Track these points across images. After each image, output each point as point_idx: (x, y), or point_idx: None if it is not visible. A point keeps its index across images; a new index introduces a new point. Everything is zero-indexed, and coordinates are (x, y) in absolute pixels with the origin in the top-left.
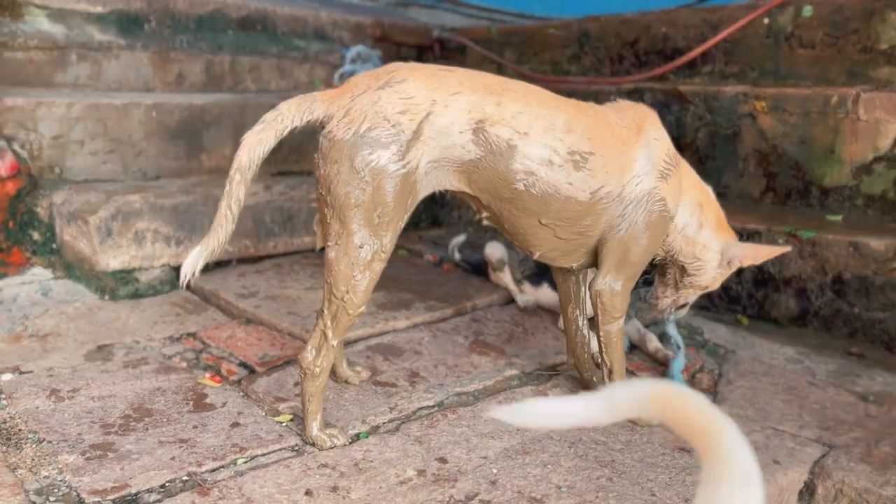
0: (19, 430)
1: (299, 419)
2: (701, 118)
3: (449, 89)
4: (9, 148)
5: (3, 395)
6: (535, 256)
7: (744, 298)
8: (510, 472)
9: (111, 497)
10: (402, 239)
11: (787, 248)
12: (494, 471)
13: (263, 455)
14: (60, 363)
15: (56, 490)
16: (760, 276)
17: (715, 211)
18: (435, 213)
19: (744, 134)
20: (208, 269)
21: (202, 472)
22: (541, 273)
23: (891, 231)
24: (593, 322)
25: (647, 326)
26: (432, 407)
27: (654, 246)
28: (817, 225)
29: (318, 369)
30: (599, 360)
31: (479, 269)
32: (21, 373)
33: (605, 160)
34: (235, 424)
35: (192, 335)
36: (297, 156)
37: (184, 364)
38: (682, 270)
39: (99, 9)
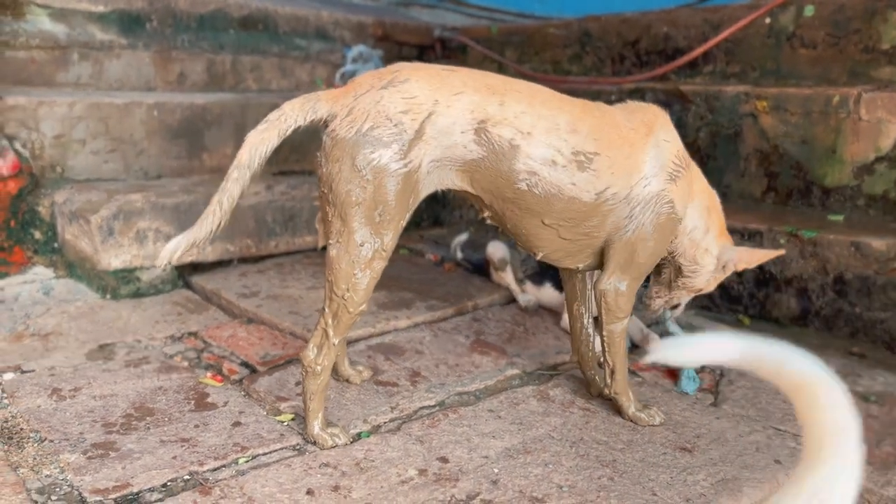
0: (21, 429)
1: (301, 418)
2: (702, 118)
3: (452, 89)
4: (11, 147)
5: (5, 394)
6: (539, 257)
7: (745, 298)
8: (511, 472)
9: (113, 496)
10: (404, 238)
11: (781, 252)
12: (496, 470)
13: (265, 454)
14: (62, 362)
15: (58, 489)
16: (762, 276)
17: (719, 216)
18: (436, 212)
19: (745, 134)
20: (210, 268)
21: (204, 472)
22: (543, 272)
23: (892, 231)
24: (597, 321)
25: (648, 326)
26: (433, 406)
27: (661, 248)
28: (819, 225)
29: (319, 367)
30: (602, 359)
31: (481, 268)
32: (23, 372)
33: (611, 161)
34: (237, 424)
35: (194, 334)
36: (298, 155)
37: (185, 363)
38: (679, 271)
39: (100, 8)
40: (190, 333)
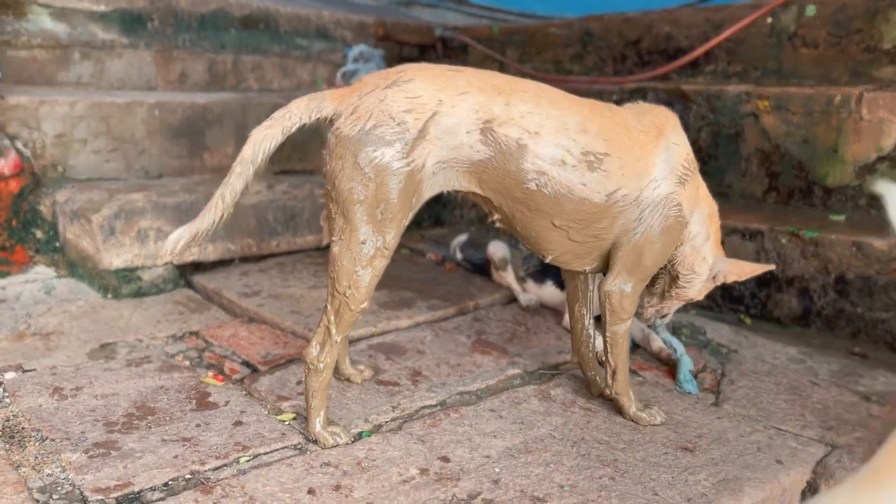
0: (22, 428)
1: (302, 418)
2: (703, 118)
3: (457, 89)
4: (12, 146)
5: (7, 394)
6: (548, 259)
7: (747, 298)
8: (512, 471)
9: (114, 495)
10: (405, 238)
11: (771, 267)
12: (497, 470)
13: (266, 454)
14: (63, 361)
15: (59, 488)
16: (763, 276)
17: (717, 226)
18: (437, 212)
19: (746, 133)
20: (211, 267)
21: (205, 471)
22: (544, 270)
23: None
24: (599, 321)
25: (649, 326)
26: (435, 406)
27: (667, 251)
28: (820, 225)
29: (321, 365)
30: (604, 359)
31: (482, 268)
32: (24, 371)
33: (621, 162)
34: (238, 423)
35: (195, 334)
36: (300, 154)
37: (186, 363)
38: (674, 280)
39: (102, 7)
40: (191, 333)
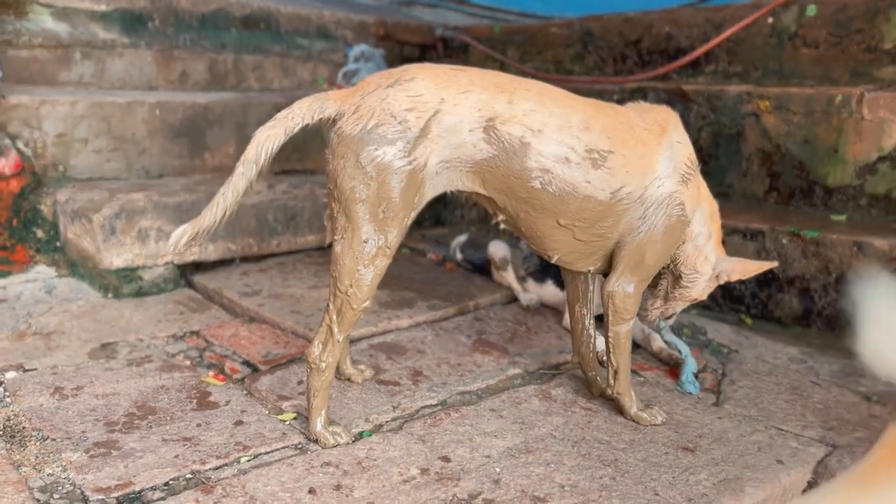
0: (23, 427)
1: (303, 417)
2: (704, 118)
3: (459, 88)
4: (13, 146)
5: (8, 393)
6: (554, 260)
7: (747, 298)
8: (513, 471)
9: (115, 495)
10: (406, 237)
11: (774, 263)
12: (497, 470)
13: (267, 453)
14: (64, 361)
15: (60, 487)
16: (764, 276)
17: (718, 225)
18: (438, 211)
19: (747, 133)
20: (211, 267)
21: (206, 471)
22: (545, 270)
23: (895, 231)
24: (600, 321)
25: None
26: (435, 406)
27: (669, 250)
28: (821, 224)
29: (323, 364)
30: (605, 359)
31: (482, 267)
32: (25, 370)
33: (625, 159)
34: (239, 423)
35: (196, 333)
36: (300, 154)
37: (187, 362)
38: (677, 281)
39: (103, 7)
40: (192, 332)
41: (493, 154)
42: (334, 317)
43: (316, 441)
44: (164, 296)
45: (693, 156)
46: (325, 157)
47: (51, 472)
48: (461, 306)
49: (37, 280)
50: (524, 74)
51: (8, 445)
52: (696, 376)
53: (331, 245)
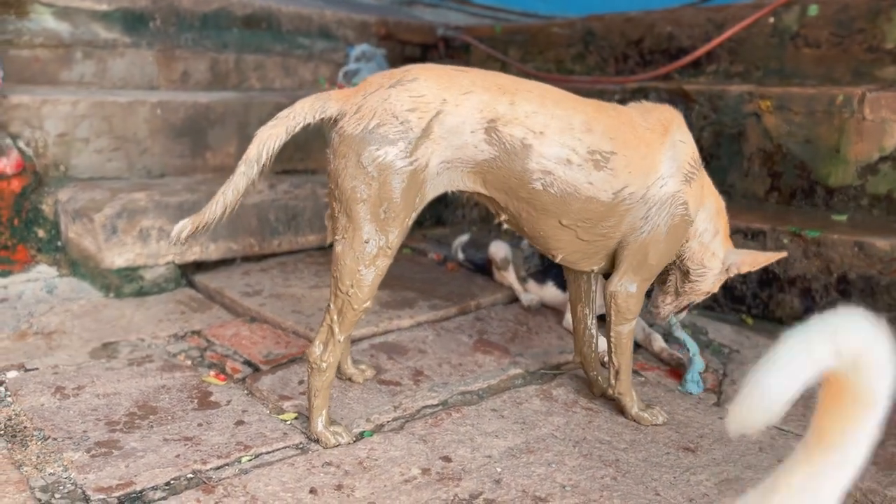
0: (24, 427)
1: (304, 417)
2: (706, 117)
3: (461, 89)
4: (14, 145)
5: (9, 393)
6: (558, 259)
7: (748, 298)
8: (514, 471)
9: (116, 494)
10: (406, 237)
11: (784, 254)
12: (499, 470)
13: (268, 453)
14: (65, 360)
15: (61, 487)
16: (765, 276)
17: (724, 220)
18: (439, 211)
19: (748, 133)
20: (213, 267)
21: (207, 470)
22: (545, 271)
23: None
24: (602, 321)
25: (651, 326)
26: (436, 406)
27: (672, 249)
28: (822, 225)
29: (324, 364)
30: (607, 359)
31: (483, 267)
32: (26, 370)
33: (627, 160)
34: (240, 422)
35: (197, 333)
36: (302, 154)
37: (188, 362)
38: (685, 276)
39: (104, 6)
40: (193, 332)
41: (494, 155)
42: (335, 317)
43: (317, 441)
44: (165, 295)
45: (696, 155)
46: (326, 156)
47: (52, 471)
48: (462, 306)
49: (38, 280)
50: (525, 74)
51: (9, 445)
52: (700, 376)
53: (332, 245)
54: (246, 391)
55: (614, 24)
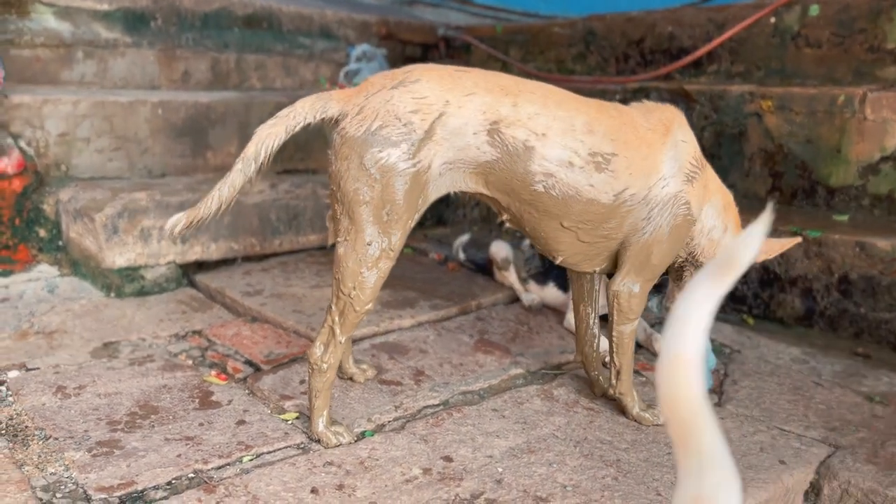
0: (26, 426)
1: (305, 417)
2: (707, 117)
3: (463, 90)
4: (15, 145)
5: (10, 392)
6: (559, 261)
7: (749, 298)
8: (515, 471)
9: (117, 494)
10: (408, 237)
11: (799, 239)
12: (500, 469)
13: (269, 453)
14: (67, 360)
15: (63, 487)
16: (766, 277)
17: (734, 213)
18: (440, 211)
19: (749, 133)
20: (214, 266)
21: (208, 470)
22: (546, 272)
23: None
24: (605, 321)
25: (652, 326)
26: (437, 405)
27: (675, 249)
28: (823, 225)
29: (325, 365)
30: (608, 359)
31: (484, 267)
32: (27, 369)
33: (628, 162)
34: (241, 422)
35: (198, 333)
36: (303, 154)
37: (189, 362)
38: (700, 270)
39: (105, 6)
40: (194, 332)
41: (496, 157)
42: (337, 318)
43: (318, 441)
44: (166, 295)
45: (698, 154)
46: (327, 157)
47: (53, 471)
48: (463, 306)
49: (39, 279)
50: (526, 74)
51: (10, 444)
52: (710, 373)
53: (333, 246)
54: (247, 391)
55: (615, 23)
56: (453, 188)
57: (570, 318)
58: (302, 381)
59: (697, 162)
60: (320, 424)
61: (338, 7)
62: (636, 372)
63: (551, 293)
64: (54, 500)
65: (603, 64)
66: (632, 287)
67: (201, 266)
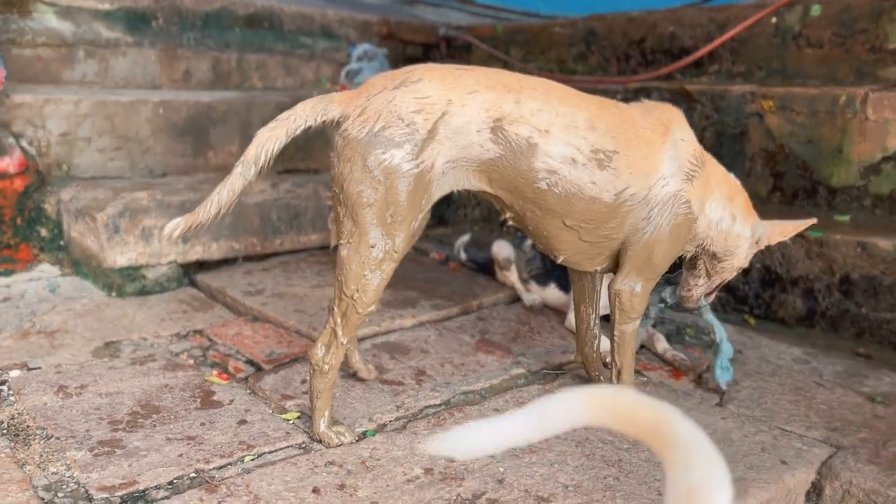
0: (27, 426)
1: (306, 417)
2: (708, 117)
3: (466, 88)
4: (17, 145)
5: (12, 392)
6: (560, 260)
7: (751, 299)
8: (517, 471)
9: (119, 493)
10: None
11: (813, 220)
12: (501, 469)
13: (271, 452)
14: (68, 360)
15: (64, 486)
16: (768, 277)
17: (743, 200)
18: (441, 211)
19: (751, 133)
20: (215, 266)
21: (210, 469)
22: (547, 272)
23: None
24: (606, 321)
25: (654, 326)
26: (439, 405)
27: (677, 248)
28: (825, 225)
29: (326, 366)
30: (609, 359)
31: (486, 267)
32: (29, 369)
33: (629, 160)
34: (242, 422)
35: (199, 332)
36: (303, 153)
37: (191, 361)
38: (714, 258)
39: (106, 6)
40: (195, 331)
41: (500, 154)
42: (339, 320)
43: (320, 441)
44: (167, 295)
45: (698, 151)
46: (329, 158)
47: (55, 470)
48: (464, 306)
49: (40, 279)
50: (528, 74)
51: (12, 444)
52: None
53: (335, 247)
54: (248, 390)
55: (616, 23)
56: (456, 187)
57: (571, 318)
58: (303, 381)
59: (697, 160)
60: (322, 424)
61: (339, 7)
62: (637, 372)
63: (553, 293)
64: (56, 500)
65: (604, 64)
66: (633, 286)
67: (202, 265)
